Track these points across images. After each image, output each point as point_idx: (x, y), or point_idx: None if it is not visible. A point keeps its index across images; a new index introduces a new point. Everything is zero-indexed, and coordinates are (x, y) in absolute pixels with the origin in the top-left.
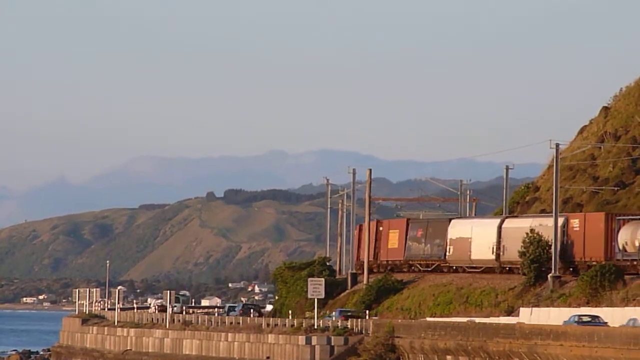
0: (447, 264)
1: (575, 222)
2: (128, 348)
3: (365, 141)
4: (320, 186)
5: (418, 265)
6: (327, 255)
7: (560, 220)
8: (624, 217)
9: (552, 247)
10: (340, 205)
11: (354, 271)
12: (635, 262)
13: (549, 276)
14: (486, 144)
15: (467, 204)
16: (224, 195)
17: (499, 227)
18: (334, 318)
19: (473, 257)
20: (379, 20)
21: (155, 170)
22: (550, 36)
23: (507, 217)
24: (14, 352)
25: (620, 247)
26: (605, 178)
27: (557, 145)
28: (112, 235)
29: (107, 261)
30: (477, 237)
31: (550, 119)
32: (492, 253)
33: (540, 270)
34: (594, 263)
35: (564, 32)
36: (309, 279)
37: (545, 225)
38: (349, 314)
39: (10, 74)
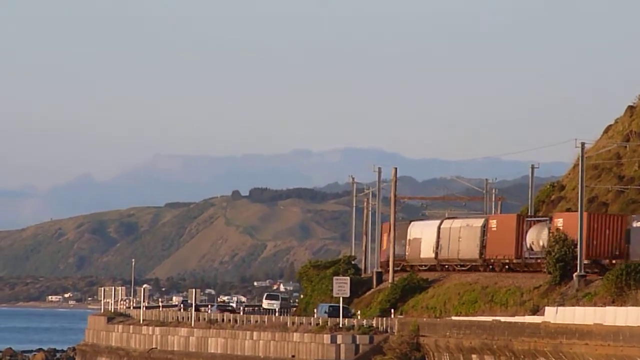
0: (408, 263)
1: (493, 223)
2: (153, 346)
3: (389, 139)
4: (346, 184)
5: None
6: (353, 254)
7: (481, 221)
8: (532, 219)
9: (578, 246)
10: (365, 203)
11: (379, 270)
12: (539, 260)
13: (574, 275)
14: (511, 143)
15: (493, 203)
16: (250, 193)
17: (438, 228)
18: (317, 314)
19: (422, 256)
20: (403, 16)
21: (180, 168)
22: (577, 35)
23: (445, 219)
24: (39, 351)
25: (528, 246)
26: (630, 177)
27: (583, 144)
28: (137, 233)
29: (133, 259)
30: (425, 237)
31: (575, 118)
32: (433, 252)
33: (566, 269)
34: (507, 260)
35: (590, 31)
36: (334, 277)
37: (471, 226)
38: (332, 309)
39: (38, 73)
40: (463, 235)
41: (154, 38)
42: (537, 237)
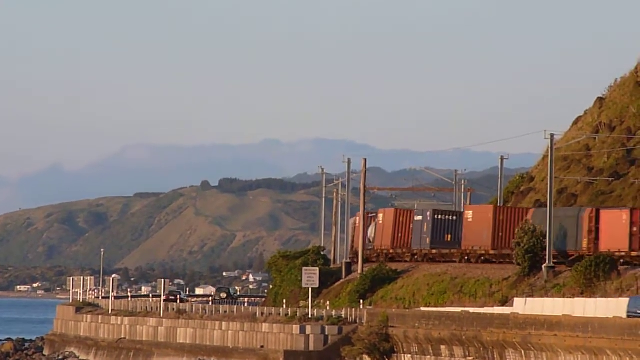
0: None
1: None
2: (122, 336)
3: (360, 130)
4: (316, 175)
5: None
6: (322, 245)
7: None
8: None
9: (547, 237)
10: (335, 194)
11: (349, 260)
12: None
13: (543, 266)
14: (481, 134)
15: (462, 194)
16: (219, 184)
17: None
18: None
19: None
20: (375, 9)
21: (149, 158)
22: (545, 26)
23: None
24: (7, 340)
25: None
26: (600, 169)
27: (552, 135)
28: (106, 223)
29: (102, 249)
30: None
31: (545, 110)
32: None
33: (535, 260)
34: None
35: (558, 22)
36: (304, 268)
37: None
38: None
39: (5, 61)
40: None
41: (123, 26)
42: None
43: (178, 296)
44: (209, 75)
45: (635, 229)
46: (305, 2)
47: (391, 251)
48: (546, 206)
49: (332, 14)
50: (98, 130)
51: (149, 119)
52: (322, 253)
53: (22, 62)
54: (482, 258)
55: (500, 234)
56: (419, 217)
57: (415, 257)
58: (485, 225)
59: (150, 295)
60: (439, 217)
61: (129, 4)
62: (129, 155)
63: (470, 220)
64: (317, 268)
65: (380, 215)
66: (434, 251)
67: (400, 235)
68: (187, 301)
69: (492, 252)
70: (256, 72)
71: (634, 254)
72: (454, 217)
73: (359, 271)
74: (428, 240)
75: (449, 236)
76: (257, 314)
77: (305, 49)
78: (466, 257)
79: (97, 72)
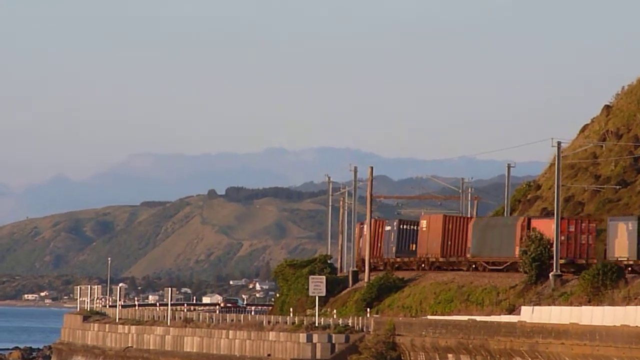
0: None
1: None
2: (129, 345)
3: (365, 139)
4: (322, 184)
5: None
6: (329, 253)
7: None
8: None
9: (554, 246)
10: (341, 203)
11: (355, 269)
12: None
13: (550, 275)
14: (487, 143)
15: (469, 202)
16: (226, 192)
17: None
18: None
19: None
20: (380, 15)
21: (155, 167)
22: (552, 34)
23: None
24: (15, 349)
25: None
26: (607, 177)
27: (559, 143)
28: (113, 232)
29: (109, 258)
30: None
31: (551, 118)
32: None
33: (542, 268)
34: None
35: (565, 29)
36: (310, 276)
37: None
38: None
39: (8, 70)
40: None
41: (127, 36)
42: None
43: (235, 304)
44: (214, 84)
45: (562, 237)
46: (308, 10)
47: (440, 259)
48: (553, 214)
49: (336, 22)
50: (102, 139)
51: (154, 128)
52: (328, 261)
53: (27, 72)
54: (434, 265)
55: (449, 242)
56: (389, 227)
57: (386, 265)
58: (436, 234)
59: (158, 304)
60: (404, 227)
61: (135, 15)
62: (134, 164)
63: (424, 229)
64: (324, 276)
65: (365, 227)
66: (398, 259)
67: (378, 244)
68: (245, 309)
69: (441, 259)
70: (261, 81)
71: (561, 261)
72: (417, 227)
73: (366, 279)
74: (394, 249)
75: (414, 245)
76: (264, 322)
77: (310, 58)
78: (422, 265)
79: (100, 82)
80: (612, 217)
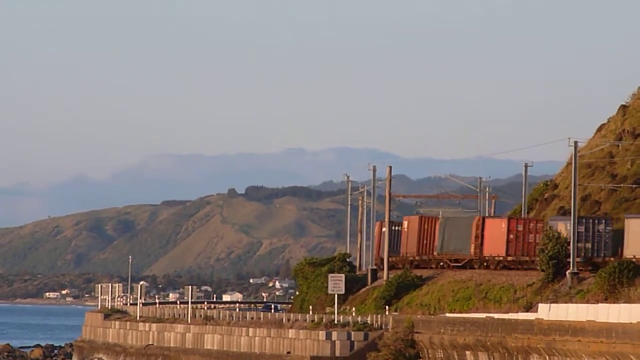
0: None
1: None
2: (150, 343)
3: (383, 138)
4: (341, 183)
5: None
6: (348, 252)
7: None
8: None
9: (571, 244)
10: (360, 202)
11: (374, 267)
12: None
13: (567, 272)
14: (504, 142)
15: (487, 202)
16: (245, 191)
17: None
18: None
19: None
20: (396, 16)
21: (174, 167)
22: (568, 34)
23: None
24: (37, 347)
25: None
26: (623, 176)
27: (576, 143)
28: (134, 231)
29: (130, 257)
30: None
31: (568, 117)
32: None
33: (559, 266)
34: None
35: (582, 29)
36: (330, 274)
37: None
38: None
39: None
40: None
41: (145, 38)
42: None
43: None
44: (232, 84)
45: (512, 236)
46: (328, 10)
47: (417, 258)
48: (570, 214)
49: (355, 22)
50: (120, 140)
51: (173, 128)
52: (347, 260)
53: (46, 75)
54: (413, 264)
55: (425, 242)
56: (385, 229)
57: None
58: (414, 234)
59: (178, 302)
60: (396, 228)
61: (152, 19)
62: (153, 165)
63: (405, 230)
64: (343, 275)
65: (376, 228)
66: (417, 258)
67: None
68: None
69: (417, 258)
70: (279, 81)
71: (509, 258)
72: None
73: (385, 278)
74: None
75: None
76: (284, 320)
77: (328, 59)
78: (402, 264)
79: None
80: (628, 214)
